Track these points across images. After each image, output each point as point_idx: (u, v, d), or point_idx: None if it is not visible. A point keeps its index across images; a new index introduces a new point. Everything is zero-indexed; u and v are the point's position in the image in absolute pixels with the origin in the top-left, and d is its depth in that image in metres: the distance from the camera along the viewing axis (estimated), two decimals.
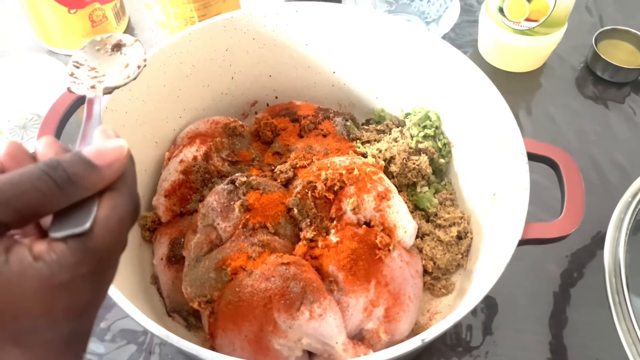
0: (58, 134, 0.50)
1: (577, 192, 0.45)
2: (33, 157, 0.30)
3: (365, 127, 0.63)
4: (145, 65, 0.42)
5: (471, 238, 0.55)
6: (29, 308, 0.24)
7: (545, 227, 0.44)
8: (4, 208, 0.24)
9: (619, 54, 0.75)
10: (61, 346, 0.26)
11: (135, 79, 0.42)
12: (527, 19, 0.67)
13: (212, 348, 0.46)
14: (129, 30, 0.80)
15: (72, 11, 0.71)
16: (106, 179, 0.28)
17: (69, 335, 0.26)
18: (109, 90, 0.40)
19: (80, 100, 0.52)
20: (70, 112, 0.51)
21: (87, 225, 0.26)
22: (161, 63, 0.55)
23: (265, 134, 0.59)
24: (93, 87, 0.40)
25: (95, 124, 0.35)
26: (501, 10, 0.69)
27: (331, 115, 0.61)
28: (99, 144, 0.29)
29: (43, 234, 0.28)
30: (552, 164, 0.48)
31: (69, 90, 0.41)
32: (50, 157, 0.29)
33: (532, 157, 0.48)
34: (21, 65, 0.71)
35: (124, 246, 0.28)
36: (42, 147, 0.30)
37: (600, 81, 0.75)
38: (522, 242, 0.43)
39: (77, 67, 0.43)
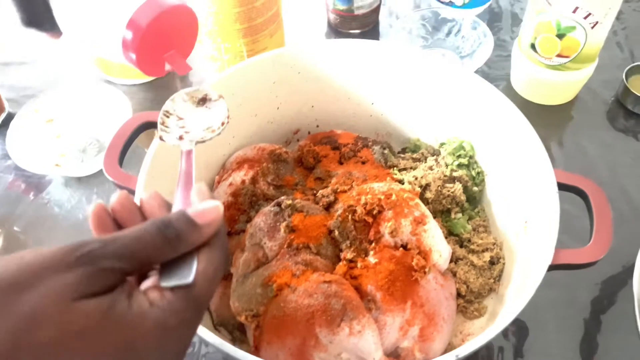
0: (121, 158, 0.55)
1: (606, 220, 0.47)
2: (138, 207, 0.35)
3: (402, 155, 0.67)
4: (228, 122, 0.46)
5: (503, 263, 0.57)
6: (147, 346, 0.28)
7: (575, 253, 0.46)
8: (130, 260, 0.29)
9: None
10: None
11: (219, 134, 0.45)
12: (559, 55, 0.70)
13: None
14: None
15: None
16: (205, 236, 0.32)
17: None
18: (197, 144, 0.44)
19: (141, 128, 0.57)
20: (133, 137, 0.56)
21: (191, 278, 0.30)
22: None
23: (307, 160, 0.63)
24: (181, 137, 0.44)
25: (189, 180, 0.39)
26: (533, 46, 0.72)
27: (370, 143, 0.64)
28: (199, 205, 0.33)
29: (140, 278, 0.33)
30: (581, 194, 0.51)
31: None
32: (154, 208, 0.35)
33: (562, 187, 0.51)
34: (82, 92, 0.77)
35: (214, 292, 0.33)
36: (147, 199, 0.36)
37: (631, 115, 0.77)
38: (553, 267, 0.46)
39: (167, 117, 0.46)
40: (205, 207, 0.33)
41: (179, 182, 0.39)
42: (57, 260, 0.27)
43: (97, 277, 0.28)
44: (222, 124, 0.46)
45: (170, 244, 0.30)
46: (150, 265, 0.31)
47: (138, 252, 0.29)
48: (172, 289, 0.30)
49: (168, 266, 0.31)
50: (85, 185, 0.72)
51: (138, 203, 0.36)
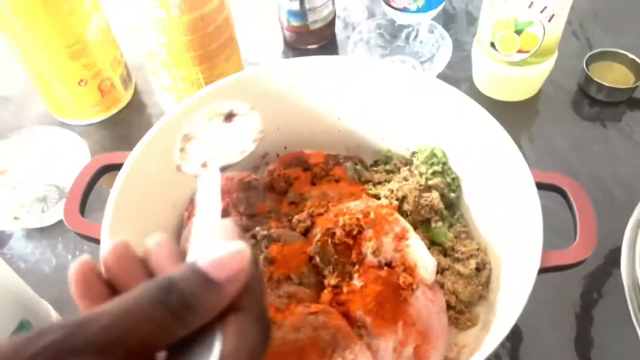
0: (83, 205, 0.52)
1: (589, 217, 0.47)
2: (141, 260, 0.26)
3: (374, 168, 0.65)
4: (262, 137, 0.37)
5: (490, 269, 0.56)
6: None
7: (562, 254, 0.45)
8: (115, 350, 0.20)
9: (611, 75, 0.77)
10: None
11: (250, 154, 0.37)
12: (519, 51, 0.70)
13: None
14: (136, 95, 0.83)
15: (82, 83, 0.74)
16: (228, 297, 0.22)
17: None
18: (223, 169, 0.35)
19: (101, 172, 0.54)
20: (92, 183, 0.53)
21: None
22: (176, 125, 0.57)
23: (279, 185, 0.61)
24: (204, 164, 0.36)
25: (212, 215, 0.29)
26: (492, 44, 0.71)
27: (341, 160, 0.63)
28: (217, 251, 0.23)
29: None
30: (561, 192, 0.50)
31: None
32: (162, 259, 0.26)
33: (540, 186, 0.50)
34: (35, 138, 0.74)
35: None
36: (154, 246, 0.27)
37: (596, 102, 0.77)
38: (542, 271, 0.44)
39: (187, 141, 0.38)
40: (224, 253, 0.23)
41: (196, 222, 0.29)
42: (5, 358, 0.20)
43: None
44: (254, 141, 0.37)
45: (177, 317, 0.21)
46: (149, 352, 0.21)
47: (127, 336, 0.20)
48: None
49: (179, 349, 0.22)
50: (49, 235, 0.68)
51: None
